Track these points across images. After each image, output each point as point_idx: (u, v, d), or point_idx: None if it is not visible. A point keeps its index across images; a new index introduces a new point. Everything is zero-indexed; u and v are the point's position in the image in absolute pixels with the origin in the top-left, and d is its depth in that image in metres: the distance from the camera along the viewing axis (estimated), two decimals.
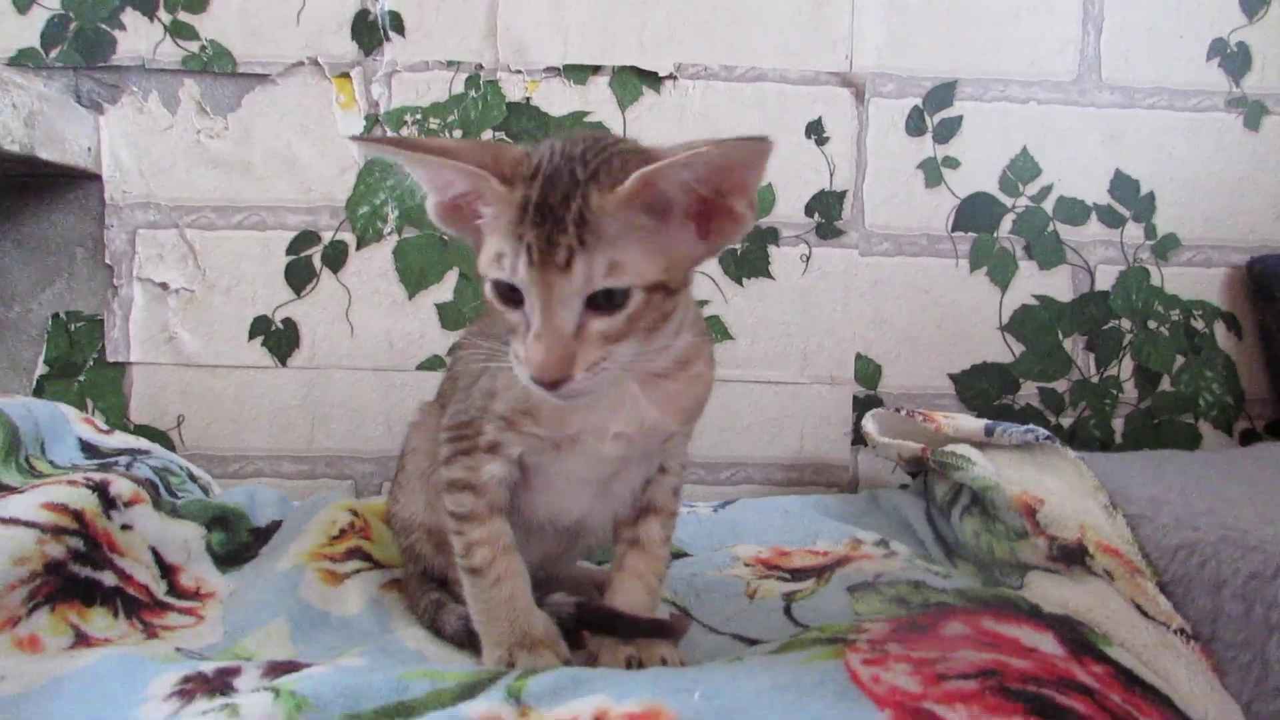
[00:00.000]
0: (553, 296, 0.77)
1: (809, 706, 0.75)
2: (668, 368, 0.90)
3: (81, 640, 0.96)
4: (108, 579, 1.06)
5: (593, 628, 0.98)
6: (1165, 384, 1.81)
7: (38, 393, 1.66)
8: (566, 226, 0.77)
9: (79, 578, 1.02)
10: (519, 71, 1.71)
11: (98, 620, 1.00)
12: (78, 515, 1.04)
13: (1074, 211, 1.78)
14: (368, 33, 1.69)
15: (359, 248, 1.71)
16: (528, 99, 1.71)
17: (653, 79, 1.72)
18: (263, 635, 1.04)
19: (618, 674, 0.86)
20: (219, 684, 0.85)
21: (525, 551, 0.98)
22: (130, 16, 1.66)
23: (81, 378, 1.68)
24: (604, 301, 0.79)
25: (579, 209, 0.77)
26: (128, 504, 1.13)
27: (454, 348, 1.64)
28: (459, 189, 0.85)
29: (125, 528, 1.12)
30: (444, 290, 1.71)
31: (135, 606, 1.06)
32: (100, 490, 1.10)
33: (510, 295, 0.81)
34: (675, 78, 1.72)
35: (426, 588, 1.11)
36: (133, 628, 1.03)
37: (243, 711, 0.75)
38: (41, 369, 1.67)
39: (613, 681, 0.81)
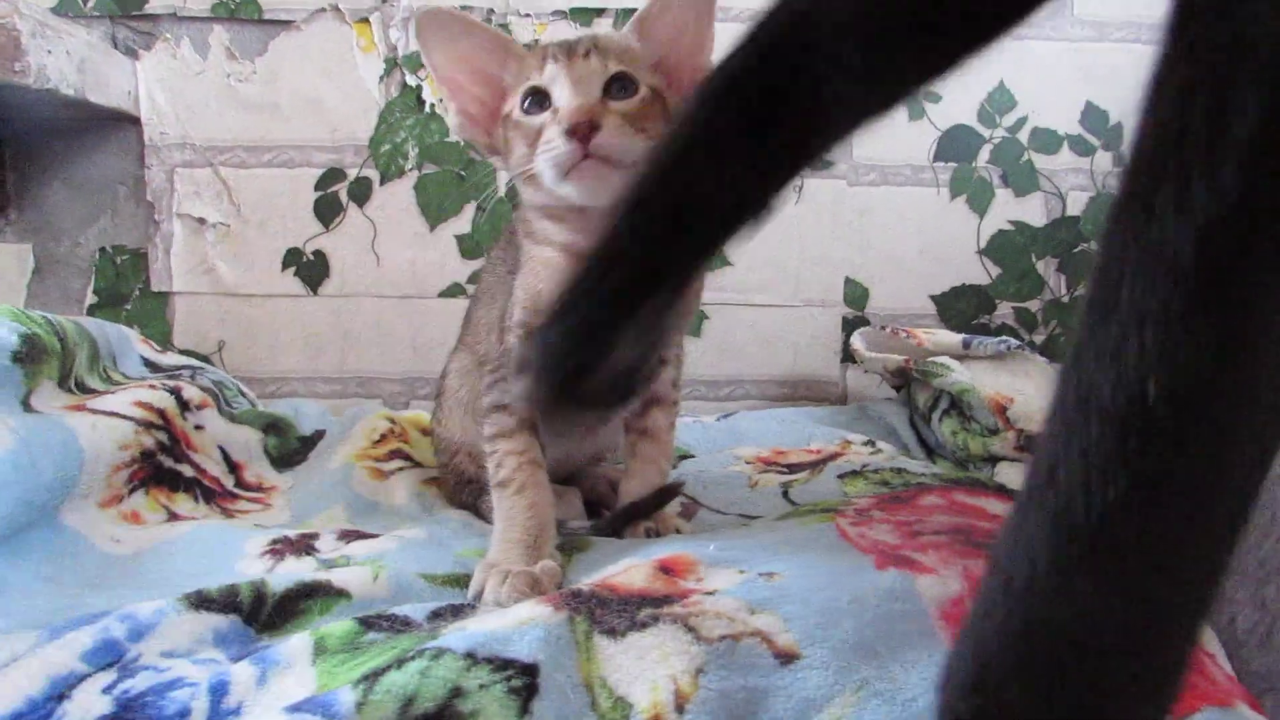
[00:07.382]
0: (577, 75, 0.96)
1: (805, 553, 0.90)
2: None
3: (173, 517, 1.11)
4: (186, 470, 1.20)
5: (615, 532, 1.08)
6: None
7: None
8: (583, 44, 0.98)
9: (164, 467, 1.16)
10: (528, 15, 1.81)
11: (183, 503, 1.15)
12: (161, 413, 1.18)
13: (1047, 141, 1.90)
14: None
15: (382, 183, 1.82)
16: (536, 40, 1.82)
17: None
18: (325, 517, 1.19)
19: (642, 541, 1.01)
20: (302, 545, 1.00)
21: (554, 450, 1.11)
22: None
23: (128, 306, 1.81)
24: (618, 90, 0.97)
25: (591, 39, 0.99)
26: (198, 407, 1.27)
27: (473, 277, 1.78)
28: (480, 73, 1.03)
29: (198, 428, 1.26)
30: (462, 222, 1.84)
31: (211, 494, 1.21)
32: (175, 394, 1.24)
33: (537, 102, 0.98)
34: None
35: (466, 485, 1.25)
36: (212, 510, 1.18)
37: (334, 572, 0.89)
38: (91, 299, 1.80)
39: (639, 547, 0.96)
